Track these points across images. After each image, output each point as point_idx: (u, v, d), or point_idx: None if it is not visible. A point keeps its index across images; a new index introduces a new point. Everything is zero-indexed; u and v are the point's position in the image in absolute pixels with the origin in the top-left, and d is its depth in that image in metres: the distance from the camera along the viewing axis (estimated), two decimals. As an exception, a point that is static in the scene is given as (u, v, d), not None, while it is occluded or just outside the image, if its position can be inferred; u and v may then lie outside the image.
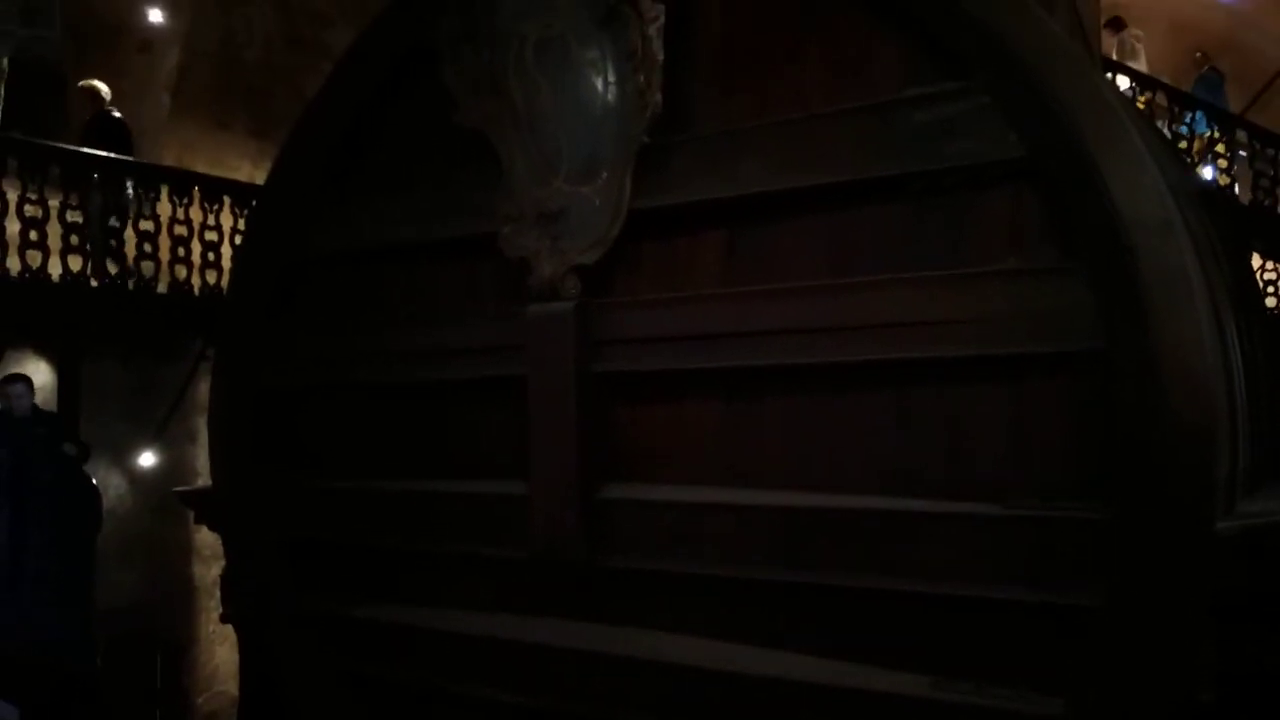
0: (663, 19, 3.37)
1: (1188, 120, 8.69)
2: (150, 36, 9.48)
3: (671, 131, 3.45)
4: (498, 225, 3.71)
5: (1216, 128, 8.62)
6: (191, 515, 5.91)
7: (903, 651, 3.06)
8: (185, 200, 7.83)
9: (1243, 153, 9.05)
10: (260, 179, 8.00)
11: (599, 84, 3.51)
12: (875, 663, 3.09)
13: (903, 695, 2.97)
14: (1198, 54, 11.72)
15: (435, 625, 3.96)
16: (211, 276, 7.95)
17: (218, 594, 4.79)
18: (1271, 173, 8.45)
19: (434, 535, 3.97)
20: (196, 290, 7.84)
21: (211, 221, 7.92)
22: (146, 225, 7.62)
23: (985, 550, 2.88)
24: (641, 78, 3.40)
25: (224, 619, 4.78)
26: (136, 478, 8.95)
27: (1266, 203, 8.32)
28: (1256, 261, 8.12)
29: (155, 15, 9.28)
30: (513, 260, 3.68)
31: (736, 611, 3.37)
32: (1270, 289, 8.30)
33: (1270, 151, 8.66)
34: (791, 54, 3.39)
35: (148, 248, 7.54)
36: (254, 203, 7.82)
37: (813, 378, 3.24)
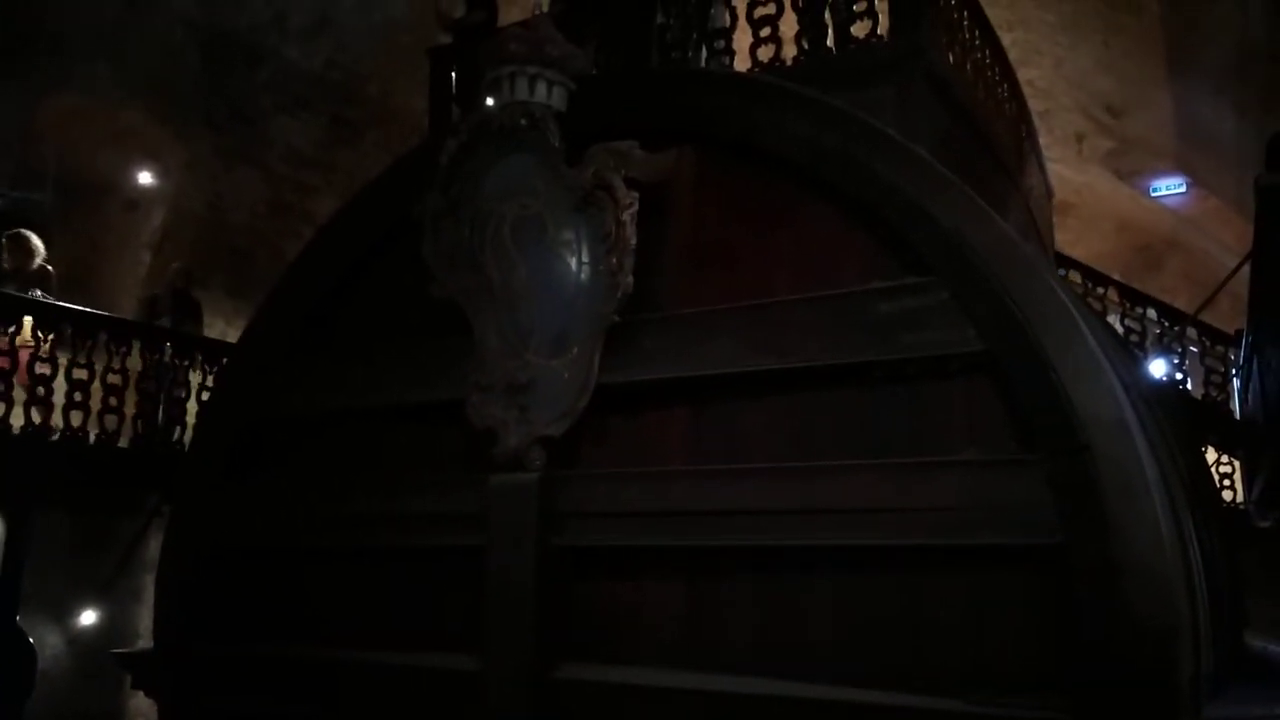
0: (636, 205, 3.52)
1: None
2: (138, 197, 9.77)
3: (641, 311, 3.55)
4: (466, 394, 3.74)
5: (1167, 324, 8.97)
6: (129, 679, 5.62)
7: None
8: (156, 355, 7.85)
9: (1194, 349, 9.38)
10: (233, 337, 8.07)
11: (573, 264, 3.63)
12: None
13: None
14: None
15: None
16: (174, 433, 7.87)
17: (149, 765, 4.51)
18: (1221, 369, 8.74)
19: (386, 709, 3.79)
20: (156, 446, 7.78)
21: (180, 377, 7.93)
22: (114, 379, 7.57)
23: (949, 748, 2.79)
24: (614, 259, 3.52)
25: (149, 799, 4.47)
26: (75, 637, 8.54)
27: (1219, 397, 8.56)
28: (1211, 456, 8.28)
29: (146, 177, 9.59)
30: (479, 429, 3.69)
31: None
32: (1226, 482, 8.42)
33: (1220, 348, 8.99)
34: (761, 242, 3.54)
35: (113, 401, 7.48)
36: (224, 361, 7.83)
37: (775, 559, 3.22)
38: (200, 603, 4.34)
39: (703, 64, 4.95)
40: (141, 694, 5.28)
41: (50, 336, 7.30)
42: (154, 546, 7.59)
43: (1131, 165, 11.96)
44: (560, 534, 3.53)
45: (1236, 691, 3.16)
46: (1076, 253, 11.21)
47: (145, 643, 4.71)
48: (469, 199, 3.86)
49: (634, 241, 3.51)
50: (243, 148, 9.53)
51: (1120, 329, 9.34)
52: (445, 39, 5.99)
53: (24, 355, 7.27)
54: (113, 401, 7.57)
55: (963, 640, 2.93)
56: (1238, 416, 8.25)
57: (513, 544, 3.53)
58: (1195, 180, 11.58)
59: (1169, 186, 12.16)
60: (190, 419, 7.90)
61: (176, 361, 8.00)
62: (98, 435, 7.48)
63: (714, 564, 3.35)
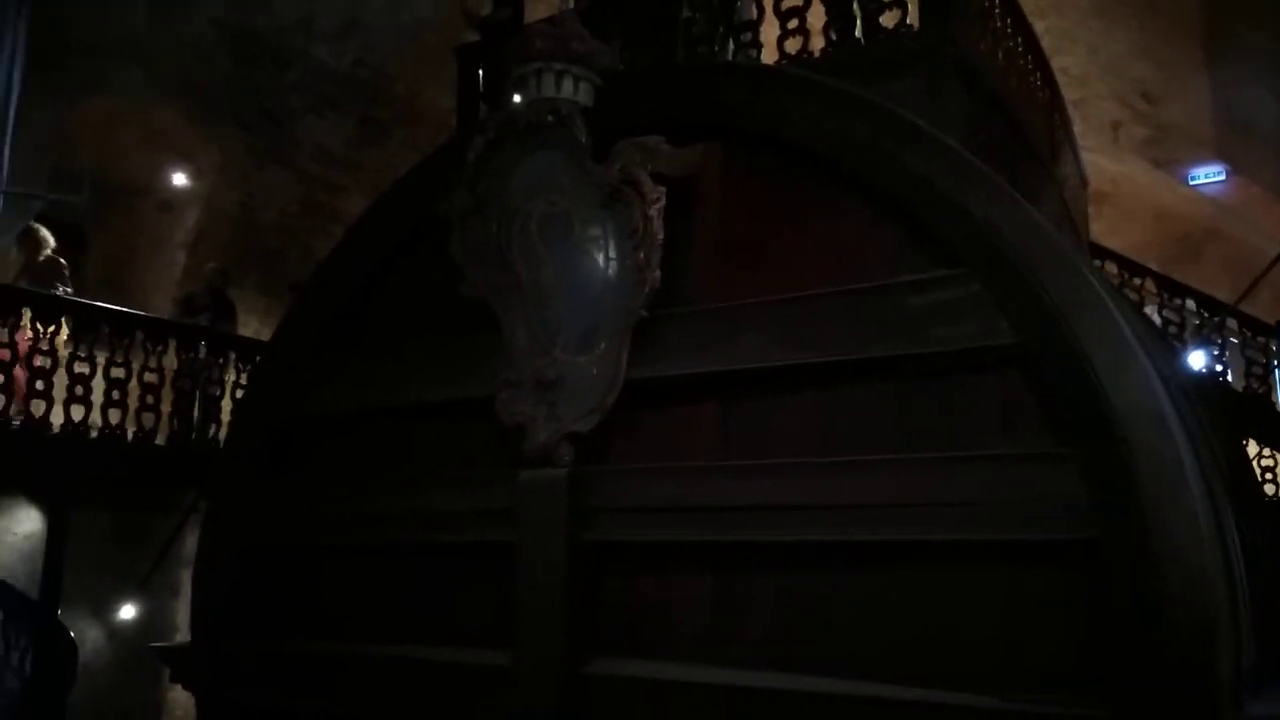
0: (663, 200, 3.51)
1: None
2: (172, 197, 9.91)
3: (669, 306, 3.54)
4: (495, 391, 3.75)
5: (1206, 315, 8.80)
6: (167, 673, 5.70)
7: None
8: (191, 354, 7.95)
9: (1234, 339, 9.21)
10: (266, 335, 8.16)
11: (600, 259, 3.62)
12: None
13: None
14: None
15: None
16: (210, 430, 7.97)
17: (186, 757, 4.58)
18: (1263, 360, 8.57)
19: (415, 704, 3.82)
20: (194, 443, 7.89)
21: (215, 376, 8.02)
22: (151, 378, 7.69)
23: (983, 744, 2.76)
24: (641, 255, 3.51)
25: (189, 789, 4.54)
26: (115, 631, 8.70)
27: (1260, 390, 8.40)
28: (1253, 449, 8.12)
29: (179, 178, 9.72)
30: (509, 426, 3.70)
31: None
32: (1269, 476, 8.26)
33: (1261, 339, 8.81)
34: (789, 238, 3.51)
35: (149, 399, 7.59)
36: (257, 359, 7.92)
37: (804, 555, 3.20)
38: (235, 598, 4.40)
39: (730, 57, 4.92)
40: (180, 687, 5.36)
41: (51, 330, 7.33)
42: (190, 542, 7.71)
43: (1169, 153, 11.74)
44: (590, 529, 3.53)
45: (1277, 687, 3.10)
46: (1113, 243, 11.03)
47: (183, 637, 4.79)
48: (496, 196, 3.86)
49: (661, 237, 3.50)
50: (273, 148, 9.63)
51: (1158, 320, 9.20)
52: (472, 37, 6.01)
53: (22, 347, 7.34)
54: (149, 400, 7.69)
55: (996, 637, 2.89)
56: None
57: (543, 539, 3.53)
58: (1235, 168, 11.34)
59: (1208, 175, 11.93)
60: (226, 417, 8.00)
61: (211, 360, 8.09)
62: (135, 433, 7.60)
63: (742, 559, 3.33)
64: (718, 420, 3.51)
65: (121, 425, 7.55)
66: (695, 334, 3.51)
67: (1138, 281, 9.62)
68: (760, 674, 3.20)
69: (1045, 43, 6.56)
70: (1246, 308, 9.22)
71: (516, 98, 3.83)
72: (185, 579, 4.72)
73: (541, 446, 3.61)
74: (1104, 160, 11.74)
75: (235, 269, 9.41)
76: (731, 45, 4.98)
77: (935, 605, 3.00)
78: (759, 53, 4.89)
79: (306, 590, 4.32)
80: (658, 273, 3.50)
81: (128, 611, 8.78)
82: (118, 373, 7.54)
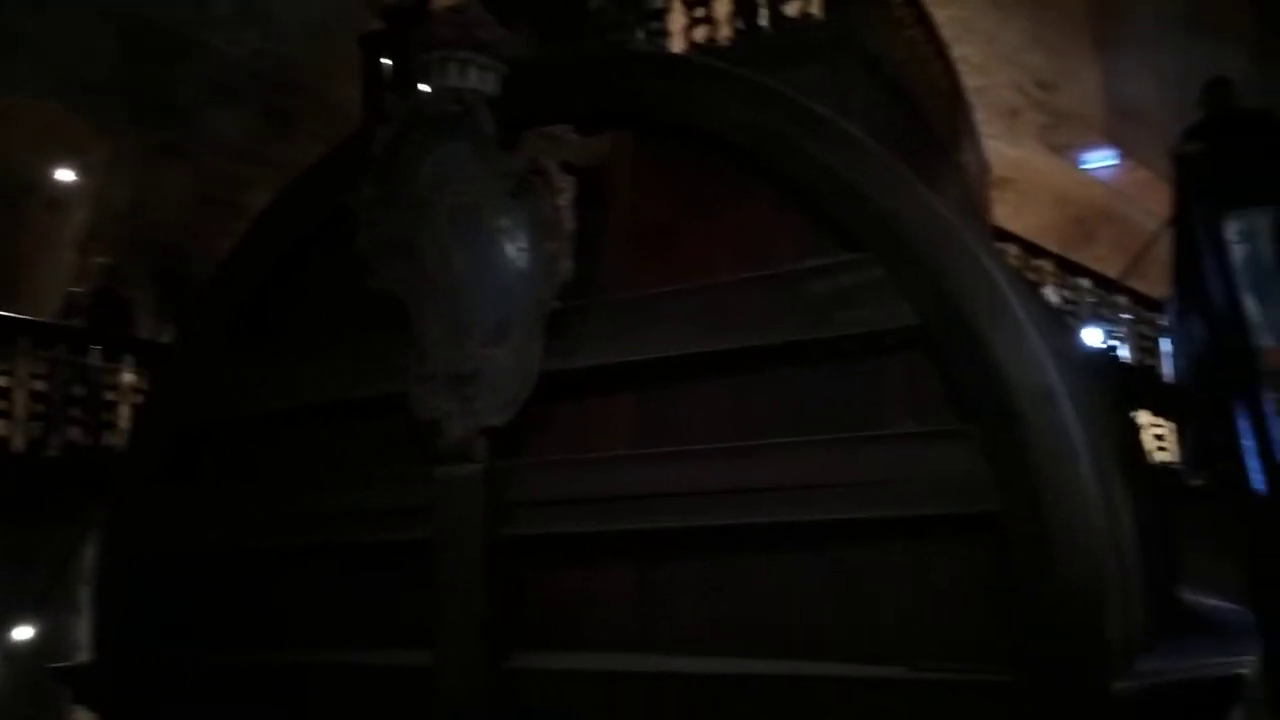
0: (572, 190, 3.50)
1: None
2: (61, 195, 9.47)
3: (582, 296, 3.55)
4: (409, 387, 3.71)
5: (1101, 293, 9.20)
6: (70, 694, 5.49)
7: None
8: (83, 358, 7.63)
9: (1127, 316, 9.63)
10: (165, 337, 7.90)
11: (510, 251, 3.60)
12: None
13: None
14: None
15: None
16: (108, 438, 7.68)
17: (93, 782, 4.42)
18: (1153, 335, 9.01)
19: (333, 710, 3.76)
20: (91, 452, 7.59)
21: (110, 380, 7.73)
22: (39, 385, 7.37)
23: (893, 714, 2.86)
24: (552, 245, 3.51)
25: (97, 815, 4.39)
26: (10, 653, 8.32)
27: (1151, 363, 8.82)
28: (1147, 419, 8.53)
29: (67, 174, 9.29)
30: (423, 422, 3.66)
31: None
32: (1160, 444, 8.68)
33: (1151, 315, 9.26)
34: (699, 225, 3.55)
35: (39, 407, 7.28)
36: (156, 362, 7.66)
37: (721, 540, 3.25)
38: (141, 610, 4.26)
39: (638, 46, 4.94)
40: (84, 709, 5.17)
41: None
42: (91, 557, 7.41)
43: (1064, 139, 12.20)
44: (508, 524, 3.52)
45: (1169, 646, 3.26)
46: (1016, 226, 11.42)
47: (86, 655, 4.60)
48: (404, 188, 3.80)
49: (571, 227, 3.50)
50: (170, 142, 9.30)
51: (1057, 300, 9.57)
52: (378, 25, 5.90)
53: None
54: (38, 408, 7.38)
55: (907, 610, 2.98)
56: (1170, 380, 8.49)
57: (461, 535, 3.51)
58: (1125, 152, 11.85)
59: (1100, 159, 12.44)
60: (124, 423, 7.72)
61: (107, 364, 7.79)
62: (26, 444, 7.27)
63: (662, 547, 3.36)
64: (633, 410, 3.53)
65: (7, 436, 7.22)
66: (608, 324, 3.52)
67: (1037, 263, 9.99)
68: (685, 659, 3.24)
69: (946, 32, 6.74)
70: (1140, 285, 9.66)
71: (422, 87, 3.78)
72: (86, 595, 4.54)
73: (457, 441, 3.58)
74: (1005, 146, 12.14)
75: (131, 269, 9.06)
76: (640, 34, 5.00)
77: (848, 582, 3.08)
78: (667, 41, 4.92)
79: (220, 598, 4.20)
80: (569, 263, 3.49)
81: (23, 632, 8.42)
82: (2, 381, 7.20)
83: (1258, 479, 3.35)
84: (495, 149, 3.61)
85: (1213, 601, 4.38)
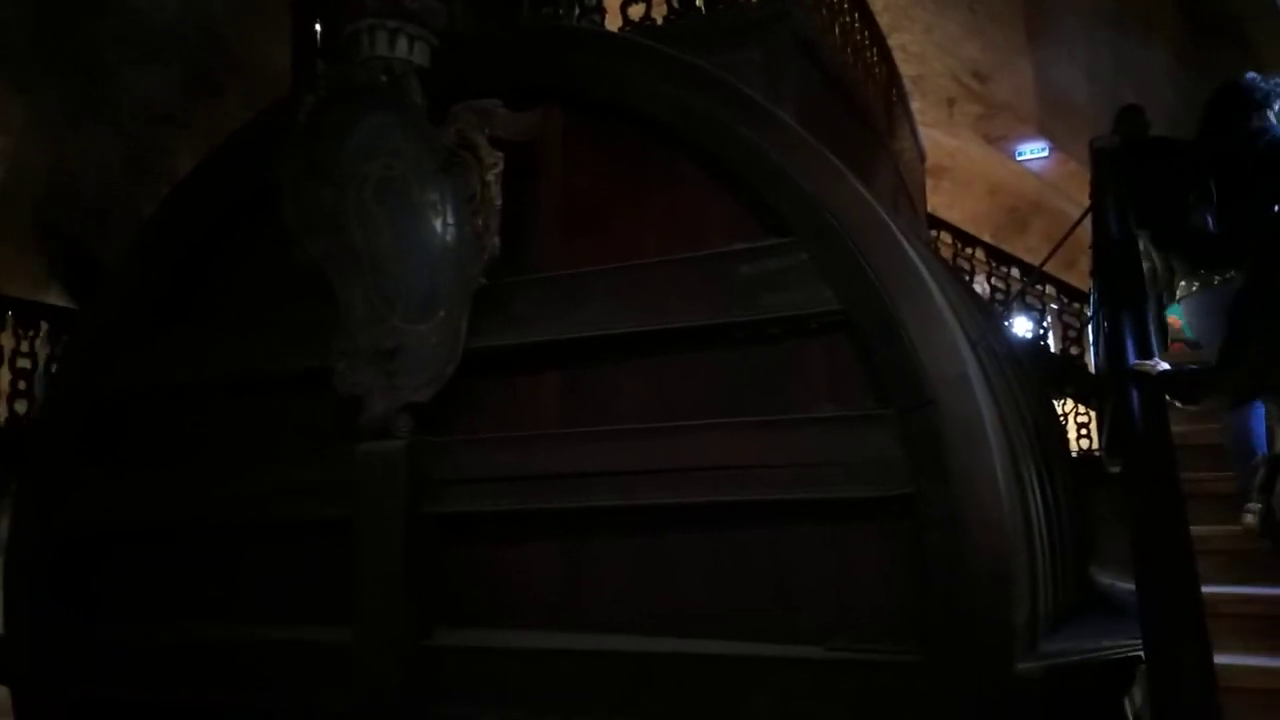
0: (501, 166, 3.47)
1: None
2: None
3: (511, 273, 3.52)
4: (332, 361, 3.65)
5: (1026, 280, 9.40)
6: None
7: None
8: (-3, 325, 7.34)
9: (1054, 305, 9.86)
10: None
11: (438, 225, 3.56)
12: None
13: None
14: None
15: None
16: (21, 407, 7.39)
17: (2, 757, 4.30)
18: (1078, 324, 9.23)
19: (254, 687, 3.70)
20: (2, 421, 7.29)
21: (25, 348, 7.42)
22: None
23: (810, 693, 2.90)
24: (480, 221, 3.47)
25: (9, 790, 4.28)
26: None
27: (1076, 351, 9.05)
28: (1070, 406, 8.75)
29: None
30: (346, 397, 3.61)
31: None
32: (1083, 431, 8.93)
33: (1076, 305, 9.49)
34: (629, 205, 3.54)
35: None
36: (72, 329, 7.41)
37: (646, 519, 3.26)
38: (58, 585, 4.15)
39: (573, 22, 4.88)
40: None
41: None
42: (4, 527, 7.18)
43: (999, 130, 12.39)
44: (431, 501, 3.50)
45: (1075, 627, 3.37)
46: (952, 215, 11.59)
47: (-2, 629, 4.49)
48: (330, 159, 3.72)
49: (500, 202, 3.46)
50: (90, 104, 8.94)
51: (987, 288, 9.76)
52: (308, -10, 5.74)
53: None
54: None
55: (824, 591, 3.03)
56: (1092, 369, 8.72)
57: (381, 512, 3.48)
58: (1055, 144, 12.08)
59: (1033, 150, 12.67)
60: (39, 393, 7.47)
61: (20, 332, 7.51)
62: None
63: (586, 526, 3.37)
64: (560, 388, 3.52)
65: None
66: (536, 302, 3.50)
67: (970, 251, 10.17)
68: (608, 637, 3.26)
69: (883, 20, 6.78)
70: (1066, 276, 9.88)
71: (350, 57, 3.70)
72: None
73: (380, 417, 3.54)
74: (941, 135, 12.30)
75: (49, 236, 8.71)
76: (576, 10, 4.94)
77: (769, 563, 3.12)
78: (602, 19, 4.87)
79: (143, 574, 4.11)
80: (497, 239, 3.46)
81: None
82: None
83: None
84: (424, 122, 3.56)
85: (1125, 585, 4.51)
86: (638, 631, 3.24)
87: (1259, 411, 3.56)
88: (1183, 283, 3.78)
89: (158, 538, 4.08)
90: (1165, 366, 2.78)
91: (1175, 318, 4.73)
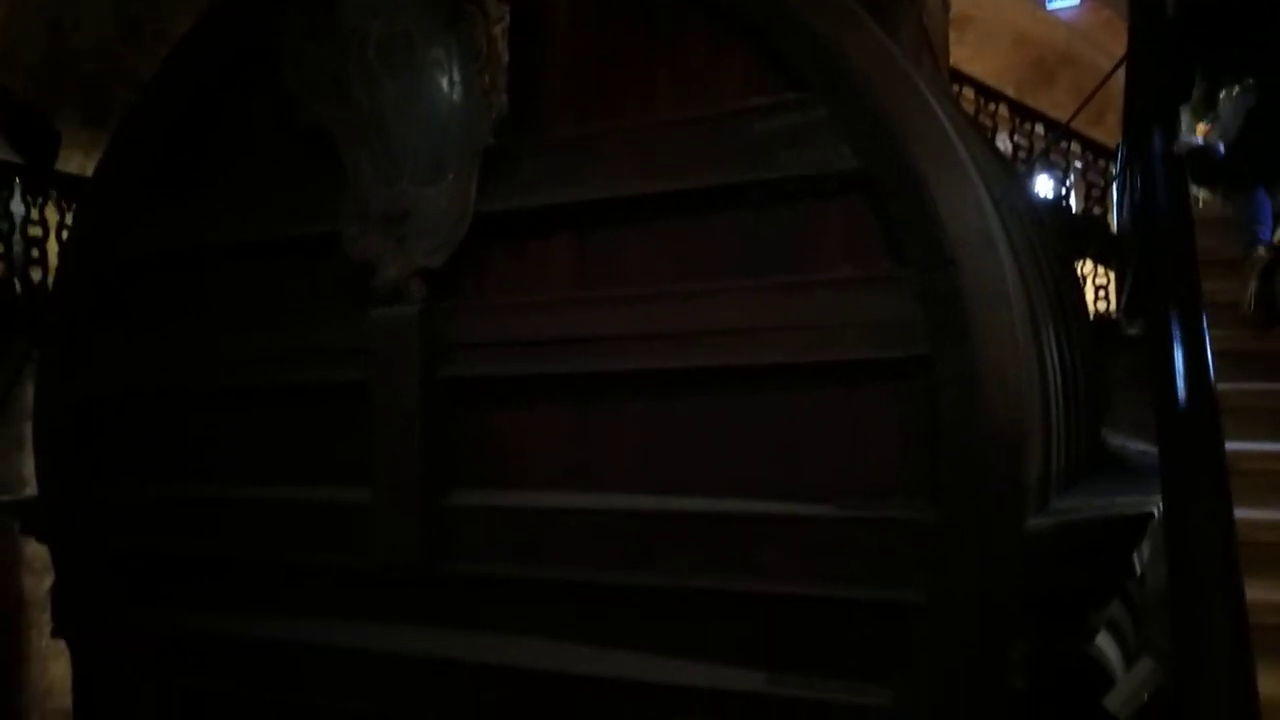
0: (508, 20, 3.33)
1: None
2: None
3: (520, 135, 3.42)
4: (342, 226, 3.61)
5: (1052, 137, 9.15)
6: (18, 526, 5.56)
7: (744, 649, 3.12)
8: (4, 193, 7.28)
9: (1078, 164, 9.62)
10: (91, 171, 7.54)
11: (444, 84, 3.44)
12: (718, 661, 3.13)
13: (738, 691, 3.05)
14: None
15: (276, 635, 3.83)
16: (36, 274, 7.40)
17: (49, 608, 4.54)
18: (1102, 183, 9.03)
19: (274, 543, 3.84)
20: (19, 289, 7.32)
21: (35, 215, 7.38)
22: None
23: (820, 550, 2.96)
24: (487, 78, 3.35)
25: (55, 634, 4.53)
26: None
27: (1097, 210, 8.88)
28: (1090, 268, 8.65)
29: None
30: (356, 262, 3.59)
31: (584, 614, 3.36)
32: (1102, 294, 8.86)
33: (1101, 163, 9.26)
34: (640, 61, 3.40)
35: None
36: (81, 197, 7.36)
37: (659, 383, 3.27)
38: (83, 448, 4.25)
39: None
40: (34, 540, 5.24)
41: None
42: (31, 393, 7.32)
43: (1028, -25, 11.84)
44: (445, 365, 3.51)
45: (1086, 486, 3.41)
46: (974, 69, 11.18)
47: (34, 490, 4.66)
48: (331, 15, 3.59)
49: (506, 58, 3.34)
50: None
51: (1011, 145, 9.50)
52: None
53: None
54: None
55: (837, 452, 3.05)
56: (1115, 230, 8.57)
57: (396, 376, 3.50)
58: (1090, -10, 11.56)
59: (1064, -2, 12.14)
60: (53, 260, 7.49)
61: (30, 199, 7.47)
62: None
63: (599, 389, 3.38)
64: (572, 252, 3.47)
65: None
66: (547, 164, 3.41)
67: (992, 108, 9.86)
68: (620, 496, 3.31)
69: None
70: (1094, 133, 9.59)
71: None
72: (29, 431, 4.55)
73: (391, 282, 3.52)
74: (967, -18, 11.76)
75: (51, 99, 8.52)
76: None
77: (783, 425, 3.13)
78: None
79: (161, 436, 4.20)
80: (504, 98, 3.35)
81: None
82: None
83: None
84: (427, -28, 3.40)
85: (1139, 445, 4.54)
86: (650, 492, 3.29)
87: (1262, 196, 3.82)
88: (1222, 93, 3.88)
89: (178, 400, 4.14)
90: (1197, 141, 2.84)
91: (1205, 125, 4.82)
